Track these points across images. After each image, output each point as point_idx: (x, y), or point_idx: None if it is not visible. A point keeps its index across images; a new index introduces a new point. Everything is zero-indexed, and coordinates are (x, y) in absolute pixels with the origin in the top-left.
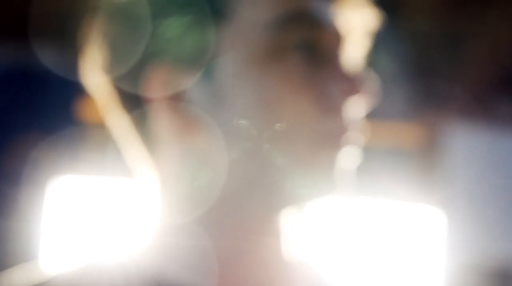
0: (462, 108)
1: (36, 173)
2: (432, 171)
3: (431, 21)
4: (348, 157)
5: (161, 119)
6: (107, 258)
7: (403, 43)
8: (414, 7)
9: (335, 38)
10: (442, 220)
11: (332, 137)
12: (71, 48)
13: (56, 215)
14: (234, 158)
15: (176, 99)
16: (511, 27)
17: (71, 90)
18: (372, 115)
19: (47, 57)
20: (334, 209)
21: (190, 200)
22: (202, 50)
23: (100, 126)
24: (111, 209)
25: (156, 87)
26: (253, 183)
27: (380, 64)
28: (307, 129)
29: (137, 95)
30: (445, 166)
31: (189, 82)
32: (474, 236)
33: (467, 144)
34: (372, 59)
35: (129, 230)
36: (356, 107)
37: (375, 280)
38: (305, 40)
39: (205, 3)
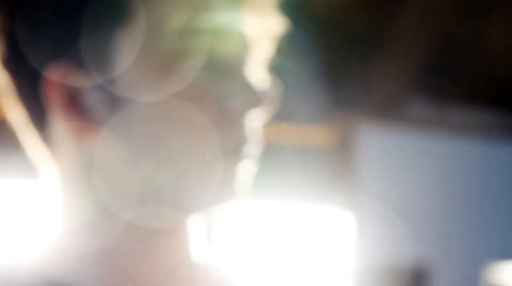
0: (373, 109)
1: None
2: (343, 172)
3: (341, 24)
4: (248, 165)
5: (59, 119)
6: (7, 258)
7: (315, 46)
8: (324, 11)
9: (239, 46)
10: (351, 222)
11: (232, 148)
12: None
13: None
14: (133, 161)
15: (74, 100)
16: (423, 30)
17: None
18: (284, 117)
19: None
20: (241, 213)
21: (92, 201)
22: (103, 52)
23: (4, 125)
24: (14, 210)
25: (54, 86)
26: (155, 187)
27: (291, 67)
28: (207, 139)
29: (37, 94)
30: (355, 167)
31: (88, 84)
32: (384, 237)
33: (377, 145)
34: (282, 63)
35: (29, 231)
36: (256, 118)
37: (284, 282)
38: (207, 49)
39: (108, 5)
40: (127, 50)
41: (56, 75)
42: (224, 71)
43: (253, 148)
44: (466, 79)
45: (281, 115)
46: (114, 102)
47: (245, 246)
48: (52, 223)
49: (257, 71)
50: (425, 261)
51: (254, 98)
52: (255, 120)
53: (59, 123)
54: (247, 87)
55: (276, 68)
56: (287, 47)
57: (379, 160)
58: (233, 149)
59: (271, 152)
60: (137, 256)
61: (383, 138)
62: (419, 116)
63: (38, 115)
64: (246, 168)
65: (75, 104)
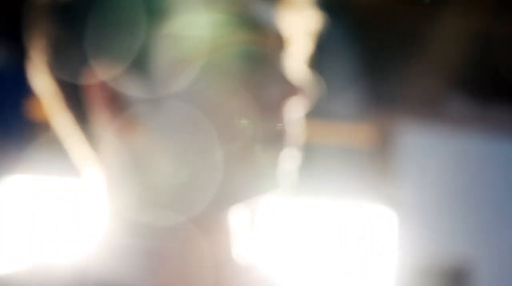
0: (413, 108)
1: None
2: (383, 170)
3: (382, 22)
4: (289, 156)
5: (101, 119)
6: (54, 258)
7: (356, 44)
8: (365, 9)
9: (276, 42)
10: (393, 220)
11: (272, 139)
12: (20, 49)
13: (5, 215)
14: (175, 158)
15: (115, 99)
16: (462, 28)
17: (20, 90)
18: (325, 115)
19: None
20: (283, 209)
21: (136, 199)
22: (142, 50)
23: (48, 126)
24: (59, 209)
25: (95, 87)
26: (198, 182)
27: (331, 64)
28: (246, 131)
29: (79, 95)
30: (396, 166)
31: (129, 82)
32: (425, 236)
33: (418, 143)
34: (322, 60)
35: (77, 229)
36: (295, 109)
37: (325, 280)
38: (244, 42)
39: (144, 2)
40: (165, 47)
41: (96, 75)
42: (261, 63)
43: (293, 139)
44: (507, 77)
45: (321, 114)
46: (154, 99)
47: (286, 245)
48: (97, 222)
49: (296, 64)
50: (466, 260)
51: (291, 88)
52: (294, 111)
53: (102, 122)
54: (284, 77)
55: (316, 65)
56: (327, 43)
57: (419, 158)
58: (273, 139)
59: (311, 150)
60: (181, 256)
61: (424, 136)
62: (460, 115)
63: (81, 116)
64: (288, 158)
65: (116, 102)
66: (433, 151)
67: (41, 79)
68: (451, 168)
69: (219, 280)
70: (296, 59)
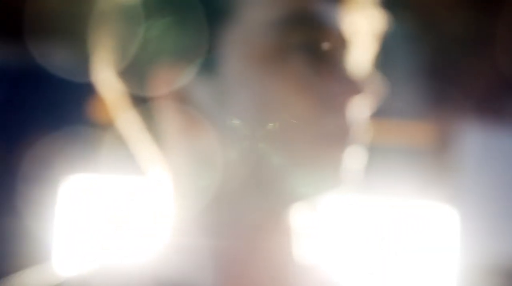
0: (475, 107)
1: (49, 172)
2: (445, 169)
3: (443, 21)
4: (354, 155)
5: (167, 118)
6: (121, 259)
7: (416, 42)
8: (427, 7)
9: (339, 40)
10: (455, 219)
11: (335, 136)
12: (82, 48)
13: (69, 215)
14: (239, 157)
15: (181, 98)
16: None
17: (83, 89)
18: (385, 114)
19: (59, 56)
20: (344, 208)
21: (200, 199)
22: (207, 49)
23: (111, 125)
24: (124, 208)
25: (161, 86)
26: (260, 181)
27: (391, 63)
28: (310, 128)
29: (144, 94)
30: (457, 165)
31: (194, 81)
32: (488, 235)
33: (479, 142)
34: (383, 58)
35: (142, 229)
36: (359, 107)
37: (387, 280)
38: (308, 41)
39: (209, 2)
40: (231, 45)
41: (163, 74)
42: (325, 60)
43: (358, 137)
44: None
45: (382, 113)
46: (220, 98)
47: (348, 244)
48: (163, 221)
49: (360, 63)
50: None
51: (355, 86)
52: (359, 110)
53: (168, 121)
54: (348, 75)
55: (378, 64)
56: (389, 42)
57: (481, 157)
58: (337, 136)
59: (373, 149)
60: (245, 256)
61: (485, 135)
62: None
63: (148, 115)
64: (352, 157)
65: (182, 102)
66: (494, 149)
67: (106, 80)
68: None
69: (282, 280)
70: (360, 58)
